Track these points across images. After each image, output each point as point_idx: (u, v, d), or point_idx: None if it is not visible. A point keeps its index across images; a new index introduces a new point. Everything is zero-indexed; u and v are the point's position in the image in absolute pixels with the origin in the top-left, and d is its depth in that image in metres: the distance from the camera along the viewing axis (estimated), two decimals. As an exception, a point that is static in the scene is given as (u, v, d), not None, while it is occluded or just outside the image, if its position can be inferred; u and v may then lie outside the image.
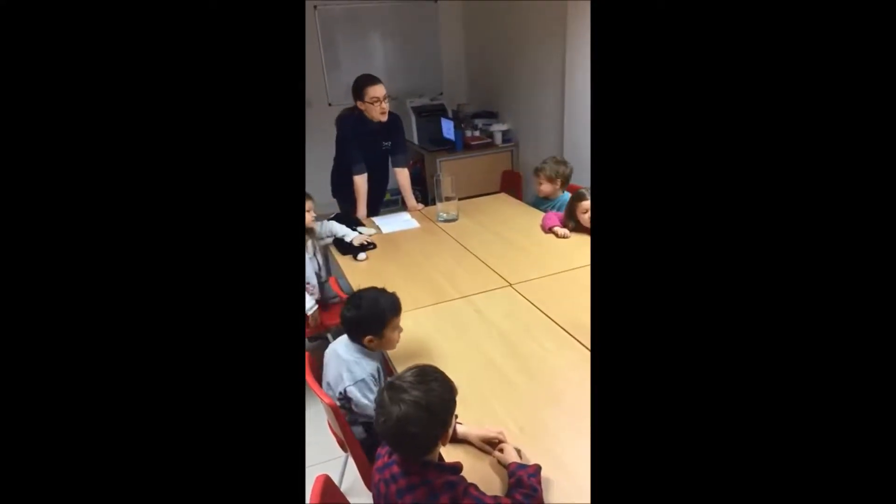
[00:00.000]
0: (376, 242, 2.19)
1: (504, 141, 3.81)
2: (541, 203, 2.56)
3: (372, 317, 1.26)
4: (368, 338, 1.28)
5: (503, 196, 2.80)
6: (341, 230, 2.20)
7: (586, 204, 2.08)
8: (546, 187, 2.47)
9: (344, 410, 1.27)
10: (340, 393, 1.28)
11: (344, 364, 1.29)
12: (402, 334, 1.34)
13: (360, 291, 1.33)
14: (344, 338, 1.34)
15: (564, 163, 2.49)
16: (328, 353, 1.37)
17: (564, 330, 1.48)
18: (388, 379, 0.96)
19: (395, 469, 0.93)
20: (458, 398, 0.92)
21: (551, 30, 3.09)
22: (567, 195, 2.48)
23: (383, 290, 1.32)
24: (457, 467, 0.95)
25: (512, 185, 3.18)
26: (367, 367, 1.28)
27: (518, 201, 2.68)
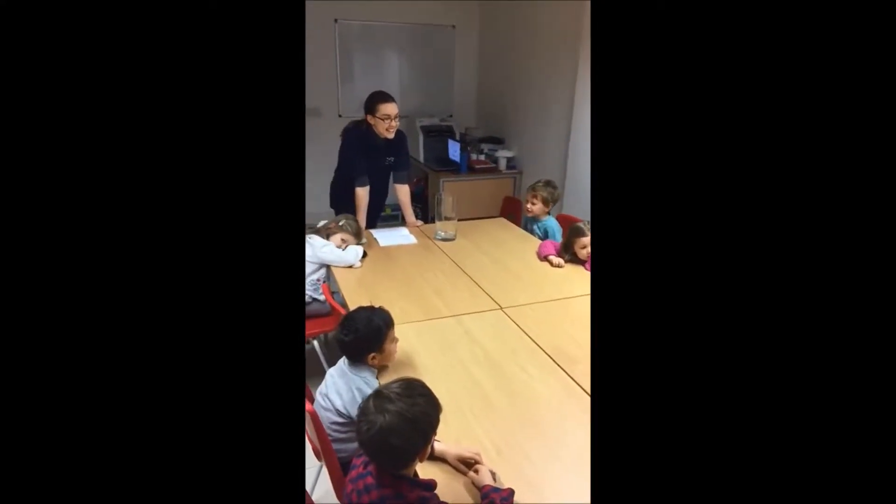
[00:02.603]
0: (373, 254, 2.21)
1: (508, 167, 3.86)
2: (530, 223, 2.61)
3: (370, 335, 1.28)
4: (371, 355, 1.29)
5: (502, 220, 2.83)
6: (330, 255, 2.09)
7: (585, 240, 2.10)
8: (537, 207, 2.53)
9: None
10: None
11: (354, 384, 1.28)
12: (389, 346, 1.35)
13: (351, 314, 1.34)
14: (343, 361, 1.34)
15: (555, 186, 2.56)
16: (330, 378, 1.36)
17: (550, 357, 1.48)
18: (376, 388, 0.97)
19: (370, 480, 0.92)
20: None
21: (562, 66, 3.16)
22: (552, 220, 2.53)
23: (372, 308, 1.35)
24: (431, 484, 0.94)
25: (512, 211, 3.21)
26: (375, 384, 1.29)
27: (516, 227, 2.71)
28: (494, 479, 1.00)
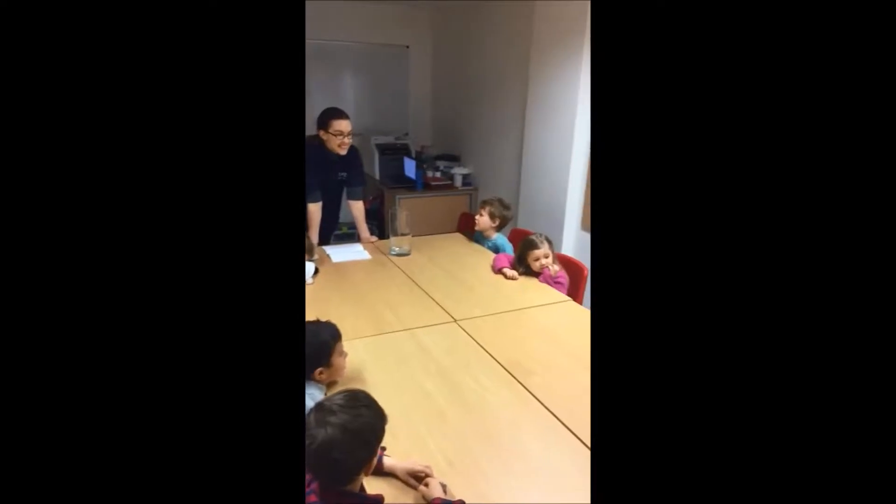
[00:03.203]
0: (326, 270, 2.16)
1: (464, 184, 3.89)
2: (479, 240, 2.63)
3: (318, 349, 1.24)
4: (319, 370, 1.25)
5: (457, 235, 2.84)
6: None
7: (538, 252, 2.13)
8: (484, 221, 2.55)
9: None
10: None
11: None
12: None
13: None
14: None
15: (508, 207, 2.58)
16: None
17: (504, 368, 1.47)
18: (318, 401, 0.93)
19: (313, 498, 0.88)
20: (389, 429, 0.89)
21: (513, 80, 3.25)
22: (502, 238, 2.56)
23: (318, 322, 1.31)
24: (378, 499, 0.90)
25: (469, 227, 3.22)
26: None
27: (471, 242, 2.72)
28: (445, 492, 0.98)
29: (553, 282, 2.13)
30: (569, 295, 2.07)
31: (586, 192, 2.77)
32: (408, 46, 4.30)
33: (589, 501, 0.95)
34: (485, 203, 2.57)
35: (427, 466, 1.03)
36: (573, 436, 1.20)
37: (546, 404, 1.31)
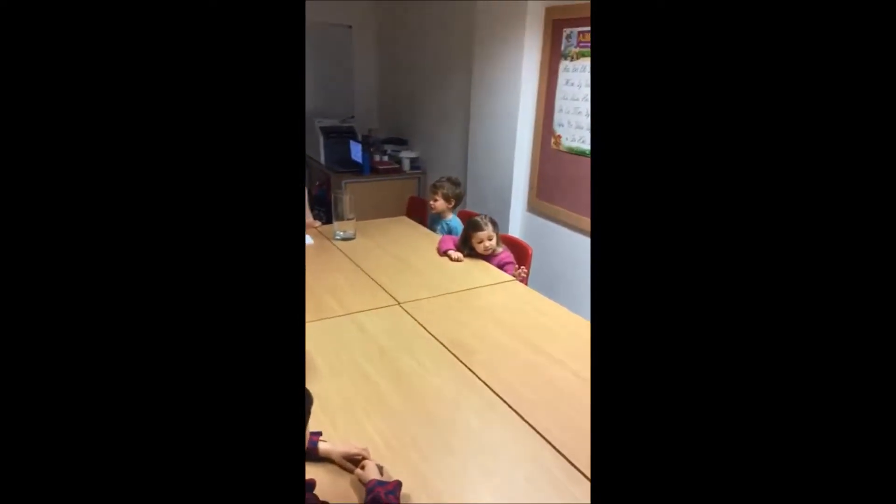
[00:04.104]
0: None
1: (412, 168, 3.85)
2: (435, 222, 2.62)
3: None
4: None
5: (404, 219, 2.81)
6: None
7: (482, 234, 2.13)
8: (440, 204, 2.55)
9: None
10: None
11: None
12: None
13: None
14: None
15: (458, 184, 2.58)
16: None
17: (447, 349, 1.47)
18: None
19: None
20: (327, 415, 0.87)
21: (458, 63, 3.22)
22: (456, 219, 2.56)
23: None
24: (309, 484, 0.89)
25: (418, 211, 3.21)
26: None
27: (418, 224, 2.70)
28: (381, 473, 0.97)
29: (504, 264, 2.15)
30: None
31: (531, 174, 2.80)
32: (350, 26, 4.18)
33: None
34: (436, 186, 2.56)
35: (364, 449, 1.02)
36: (513, 412, 1.21)
37: (487, 382, 1.32)
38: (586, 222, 2.48)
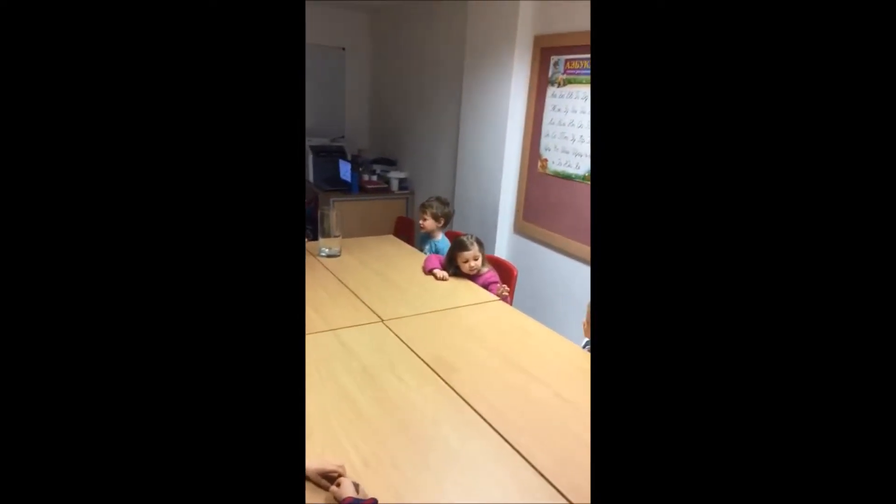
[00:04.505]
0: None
1: (400, 188, 3.87)
2: (424, 241, 2.62)
3: None
4: None
5: (390, 237, 2.81)
6: None
7: (468, 254, 2.14)
8: (429, 223, 2.57)
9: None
10: None
11: None
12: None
13: None
14: None
15: (447, 203, 2.60)
16: None
17: (429, 366, 1.46)
18: None
19: None
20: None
21: (449, 85, 3.28)
22: (444, 240, 2.56)
23: None
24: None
25: (405, 230, 3.21)
26: None
27: (404, 243, 2.70)
28: (357, 491, 0.95)
29: (489, 284, 2.15)
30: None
31: (518, 196, 2.83)
32: (344, 48, 4.24)
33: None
34: (424, 207, 2.57)
35: (340, 466, 1.00)
36: (494, 431, 1.20)
37: (469, 401, 1.31)
38: (572, 245, 2.50)
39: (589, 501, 1.00)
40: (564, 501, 1.00)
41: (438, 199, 2.60)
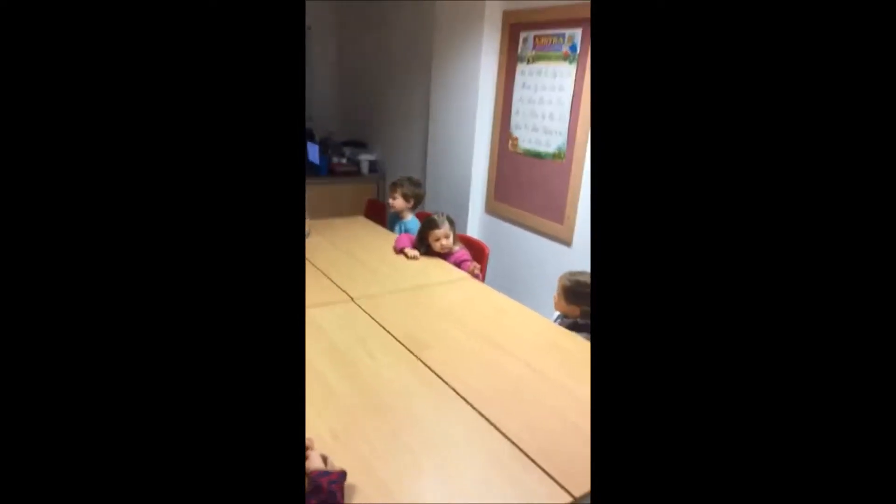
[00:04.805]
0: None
1: (371, 171, 3.81)
2: (394, 221, 2.59)
3: None
4: None
5: (360, 218, 2.77)
6: None
7: (439, 232, 2.12)
8: (399, 203, 2.52)
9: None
10: None
11: None
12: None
13: None
14: None
15: (419, 184, 2.56)
16: None
17: (401, 343, 1.44)
18: None
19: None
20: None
21: (418, 66, 3.22)
22: (415, 221, 2.54)
23: None
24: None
25: (376, 213, 3.17)
26: None
27: (375, 224, 2.66)
28: (326, 464, 0.93)
29: (460, 262, 2.14)
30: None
31: (489, 176, 2.82)
32: (309, 27, 4.12)
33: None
34: (395, 185, 2.53)
35: (308, 439, 0.97)
36: (467, 405, 1.19)
37: (441, 376, 1.30)
38: (544, 223, 2.51)
39: (556, 467, 1.00)
40: (535, 467, 1.00)
41: (410, 179, 2.57)
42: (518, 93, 2.53)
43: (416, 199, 2.56)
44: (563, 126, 2.31)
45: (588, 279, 1.65)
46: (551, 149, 2.40)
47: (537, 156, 2.48)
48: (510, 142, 2.63)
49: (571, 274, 1.70)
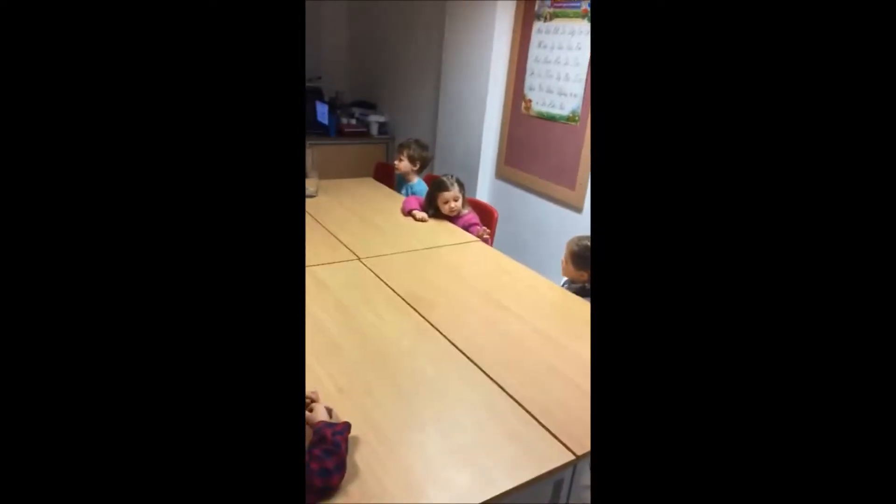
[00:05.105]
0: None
1: (380, 133, 3.76)
2: (400, 184, 2.56)
3: None
4: None
5: (369, 180, 2.75)
6: None
7: (448, 194, 2.09)
8: (404, 165, 2.48)
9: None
10: None
11: None
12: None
13: None
14: None
15: (426, 147, 2.52)
16: None
17: (406, 302, 1.44)
18: None
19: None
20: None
21: (430, 29, 3.12)
22: (421, 183, 2.50)
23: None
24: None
25: (384, 176, 3.13)
26: None
27: (383, 186, 2.64)
28: (330, 416, 0.94)
29: (469, 225, 2.11)
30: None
31: (500, 140, 2.76)
32: (320, -18, 4.00)
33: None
34: (402, 147, 2.49)
35: (313, 392, 0.98)
36: (467, 359, 1.20)
37: (445, 334, 1.30)
38: (555, 189, 2.47)
39: (558, 425, 1.01)
40: (536, 424, 1.01)
41: (417, 141, 2.52)
42: (534, 52, 2.44)
43: (423, 162, 2.52)
44: (579, 88, 2.24)
45: None
46: (565, 112, 2.34)
47: (551, 119, 2.42)
48: (524, 104, 2.56)
49: (580, 239, 1.67)
